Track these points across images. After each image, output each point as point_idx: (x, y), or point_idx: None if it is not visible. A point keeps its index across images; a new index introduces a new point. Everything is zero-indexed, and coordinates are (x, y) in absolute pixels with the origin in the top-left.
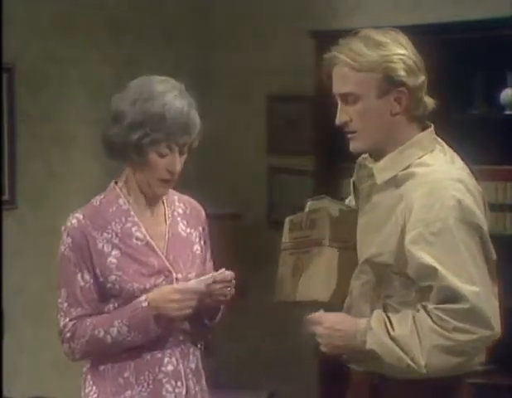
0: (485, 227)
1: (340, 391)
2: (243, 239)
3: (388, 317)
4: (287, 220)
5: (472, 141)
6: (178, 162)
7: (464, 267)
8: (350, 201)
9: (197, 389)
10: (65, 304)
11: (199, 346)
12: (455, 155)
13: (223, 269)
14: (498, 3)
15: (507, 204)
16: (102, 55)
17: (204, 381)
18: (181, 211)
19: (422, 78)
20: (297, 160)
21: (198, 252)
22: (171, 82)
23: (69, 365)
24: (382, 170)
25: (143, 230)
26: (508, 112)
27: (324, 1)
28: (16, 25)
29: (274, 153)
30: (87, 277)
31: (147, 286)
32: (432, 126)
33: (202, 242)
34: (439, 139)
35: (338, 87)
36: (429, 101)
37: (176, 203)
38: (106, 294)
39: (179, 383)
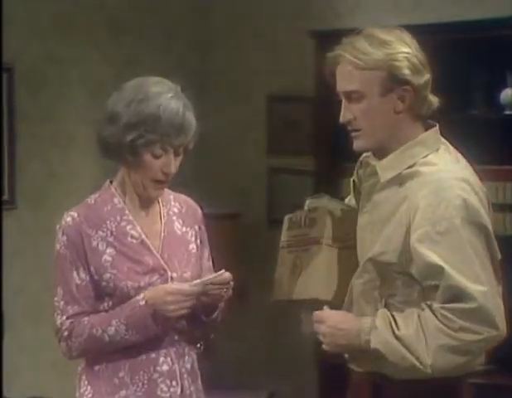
0: (490, 227)
1: (340, 391)
2: (243, 239)
3: (393, 317)
4: (286, 218)
5: (472, 141)
6: (173, 164)
7: (470, 266)
8: (349, 200)
9: (192, 389)
10: (62, 302)
11: (199, 346)
12: (459, 155)
13: (222, 271)
14: (498, 3)
15: (507, 204)
16: (102, 55)
17: (199, 381)
18: (176, 210)
19: (426, 76)
20: (297, 160)
21: (194, 251)
22: (166, 83)
23: (68, 365)
24: (386, 168)
25: (138, 228)
26: (508, 112)
27: (324, 1)
28: (16, 25)
29: (274, 153)
30: (83, 274)
31: (142, 284)
32: (437, 125)
33: (198, 241)
34: (443, 139)
35: (342, 85)
36: (434, 100)
37: (172, 202)
38: (101, 292)
39: (174, 383)
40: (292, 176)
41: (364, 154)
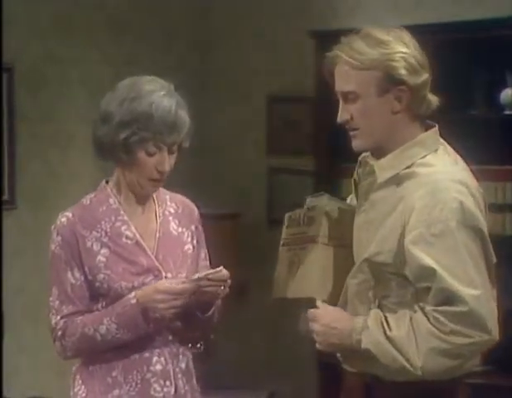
0: (486, 230)
1: (340, 392)
2: (242, 239)
3: (386, 317)
4: (286, 216)
5: (472, 141)
6: (167, 162)
7: (464, 269)
8: (351, 199)
9: (187, 388)
10: (57, 302)
11: (199, 345)
12: (458, 156)
13: (220, 267)
14: (498, 3)
15: (507, 204)
16: (102, 56)
17: (195, 381)
18: (172, 210)
19: (424, 76)
20: (296, 160)
21: (190, 251)
22: (159, 82)
23: (68, 365)
24: (384, 168)
25: (133, 229)
26: (508, 112)
27: (324, 1)
28: (16, 25)
29: (274, 153)
30: (77, 274)
31: (136, 285)
32: (437, 126)
33: (195, 241)
34: (442, 140)
35: (339, 85)
36: (433, 99)
37: (168, 202)
38: (95, 293)
39: (167, 383)
40: (292, 176)
41: (364, 154)
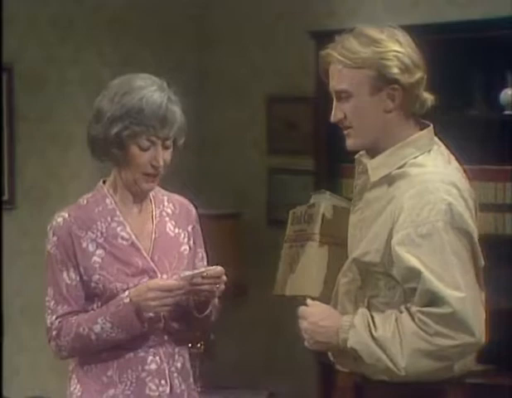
0: (475, 233)
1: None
2: (242, 239)
3: (372, 317)
4: (290, 212)
5: (472, 141)
6: (161, 156)
7: (450, 271)
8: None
9: (183, 388)
10: (52, 302)
11: (199, 345)
12: (451, 157)
13: (215, 266)
14: (498, 3)
15: (507, 204)
16: (101, 56)
17: (192, 380)
18: (169, 211)
19: (418, 75)
20: (296, 160)
21: (186, 252)
22: (151, 78)
23: (68, 365)
24: (376, 167)
25: (129, 229)
26: (508, 112)
27: (324, 1)
28: (16, 25)
29: (274, 153)
30: (73, 275)
31: (130, 286)
32: (432, 126)
33: (191, 242)
34: (437, 139)
35: (333, 84)
36: (428, 98)
37: (166, 203)
38: (90, 294)
39: (163, 382)
40: (291, 176)
41: (361, 152)
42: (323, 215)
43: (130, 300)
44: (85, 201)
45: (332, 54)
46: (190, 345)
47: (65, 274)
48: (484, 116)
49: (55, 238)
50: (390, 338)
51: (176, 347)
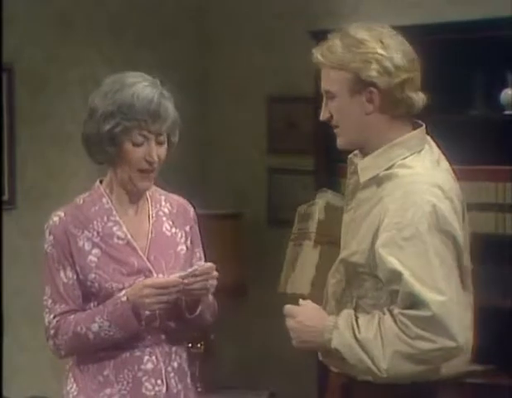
0: (460, 236)
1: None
2: (243, 239)
3: (356, 318)
4: (297, 209)
5: (472, 141)
6: (155, 151)
7: (432, 274)
8: None
9: (180, 387)
10: (50, 301)
11: (199, 345)
12: (442, 157)
13: (205, 262)
14: (498, 3)
15: (507, 204)
16: (101, 56)
17: (189, 381)
18: (166, 210)
19: (401, 77)
20: (296, 160)
21: (183, 252)
22: (143, 76)
23: (68, 365)
24: (365, 168)
25: (125, 229)
26: (508, 112)
27: (324, 1)
28: (16, 25)
29: (274, 153)
30: (69, 273)
31: (126, 285)
32: (424, 126)
33: (188, 242)
34: (429, 139)
35: (321, 84)
36: (417, 98)
37: (163, 203)
38: (87, 292)
39: (159, 381)
40: (292, 176)
41: (355, 152)
42: (320, 214)
43: (127, 299)
44: (82, 201)
45: (316, 54)
46: (190, 345)
47: (61, 273)
48: (484, 116)
49: (51, 237)
50: (372, 340)
51: (172, 347)
